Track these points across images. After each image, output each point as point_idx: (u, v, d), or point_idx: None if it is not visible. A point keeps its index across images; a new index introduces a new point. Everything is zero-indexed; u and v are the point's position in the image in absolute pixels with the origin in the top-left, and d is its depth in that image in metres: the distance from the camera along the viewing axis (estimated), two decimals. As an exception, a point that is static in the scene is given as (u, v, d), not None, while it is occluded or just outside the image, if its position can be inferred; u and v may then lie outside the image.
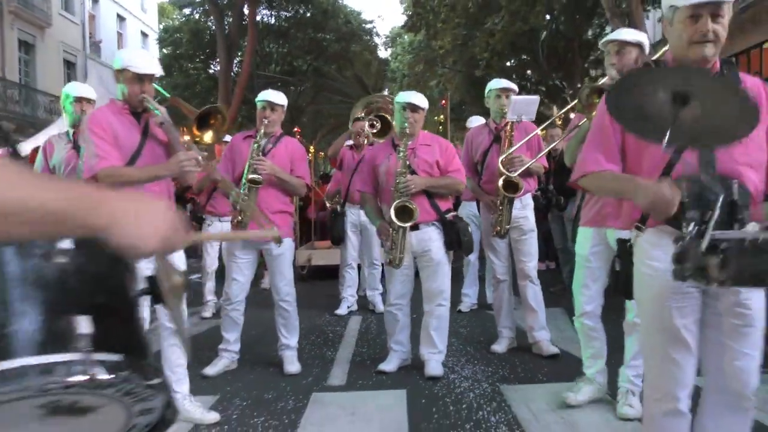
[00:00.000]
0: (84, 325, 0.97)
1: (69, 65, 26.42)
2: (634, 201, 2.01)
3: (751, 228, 1.81)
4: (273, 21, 29.16)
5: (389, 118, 6.00)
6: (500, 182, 4.28)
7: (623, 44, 3.34)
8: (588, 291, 3.43)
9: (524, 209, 4.47)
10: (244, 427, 3.27)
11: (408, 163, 4.00)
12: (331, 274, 7.68)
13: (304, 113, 30.83)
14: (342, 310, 6.32)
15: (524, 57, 25.49)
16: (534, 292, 4.43)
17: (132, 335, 1.08)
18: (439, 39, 22.69)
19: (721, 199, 1.79)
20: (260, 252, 4.31)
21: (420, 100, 4.17)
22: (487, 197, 4.49)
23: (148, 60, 3.12)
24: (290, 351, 4.35)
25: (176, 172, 3.04)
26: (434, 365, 4.07)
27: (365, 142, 5.94)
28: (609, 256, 3.14)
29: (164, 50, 30.79)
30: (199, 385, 3.78)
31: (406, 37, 29.90)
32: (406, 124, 4.03)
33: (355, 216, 6.23)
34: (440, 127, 10.10)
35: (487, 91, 4.77)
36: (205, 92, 29.40)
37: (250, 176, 4.01)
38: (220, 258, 5.94)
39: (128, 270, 1.10)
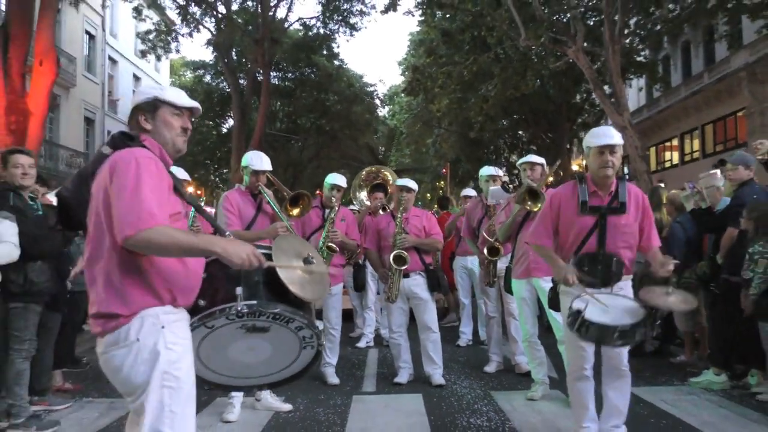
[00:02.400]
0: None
1: (88, 122, 28.09)
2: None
3: (622, 283, 3.37)
4: (279, 82, 31.03)
5: (388, 186, 7.75)
6: (485, 250, 5.72)
7: (533, 164, 5.20)
8: (528, 321, 5.03)
9: (502, 263, 5.84)
10: (310, 414, 4.66)
11: (403, 227, 5.53)
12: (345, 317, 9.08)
13: (307, 168, 32.55)
14: (362, 344, 7.74)
15: (515, 116, 27.21)
16: (516, 327, 5.78)
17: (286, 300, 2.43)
18: (436, 103, 24.16)
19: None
20: None
21: (412, 184, 5.81)
22: (482, 255, 5.92)
23: (263, 160, 4.69)
24: (331, 368, 5.75)
25: (273, 235, 4.52)
26: (437, 377, 5.51)
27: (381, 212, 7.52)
28: (535, 296, 4.87)
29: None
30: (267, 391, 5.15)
31: (403, 95, 31.60)
32: (402, 201, 5.62)
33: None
34: (441, 191, 11.60)
35: (480, 175, 6.29)
36: (213, 147, 31.15)
37: (328, 245, 5.45)
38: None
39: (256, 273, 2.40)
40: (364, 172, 8.85)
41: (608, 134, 3.62)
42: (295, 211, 4.80)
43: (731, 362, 5.34)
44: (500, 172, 6.30)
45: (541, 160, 5.31)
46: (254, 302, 2.34)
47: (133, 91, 32.94)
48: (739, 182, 5.38)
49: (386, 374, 5.99)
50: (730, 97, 22.41)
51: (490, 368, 5.94)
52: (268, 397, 4.76)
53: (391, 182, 8.63)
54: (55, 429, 4.27)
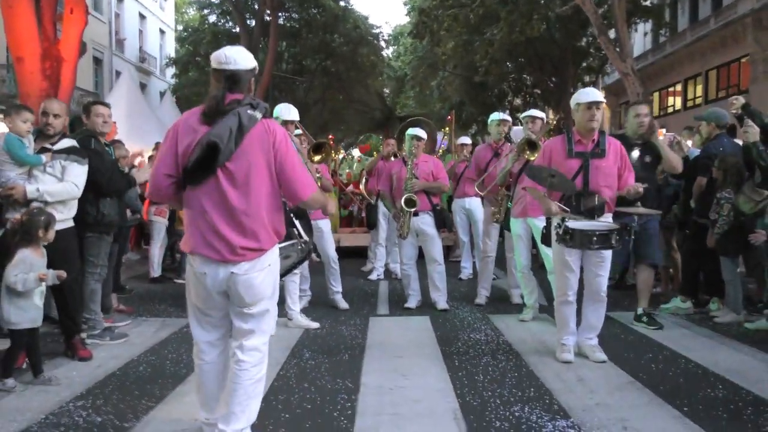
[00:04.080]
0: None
1: (97, 61, 28.38)
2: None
3: (604, 219, 4.12)
4: (285, 22, 31.02)
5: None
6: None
7: (534, 118, 5.92)
8: (523, 254, 5.81)
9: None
10: (335, 331, 5.50)
11: (414, 172, 6.24)
12: (355, 254, 9.93)
13: (311, 109, 32.90)
14: (373, 276, 8.59)
15: (521, 60, 27.39)
16: (514, 262, 6.56)
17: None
18: (442, 45, 24.36)
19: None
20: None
21: (422, 133, 6.48)
22: (490, 194, 6.52)
23: (291, 111, 5.41)
24: (339, 295, 6.57)
25: None
26: (442, 303, 6.36)
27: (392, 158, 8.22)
28: (530, 234, 5.62)
29: (183, 48, 32.73)
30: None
31: (408, 37, 31.61)
32: (413, 149, 6.31)
33: (384, 207, 8.47)
34: (445, 137, 12.25)
35: (489, 120, 6.96)
36: (220, 88, 31.42)
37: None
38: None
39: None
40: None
41: (595, 92, 4.46)
42: (317, 158, 5.51)
43: (697, 291, 6.19)
44: (509, 117, 6.95)
45: (542, 114, 6.03)
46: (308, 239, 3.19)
47: (140, 30, 33.08)
48: (708, 136, 6.05)
49: (397, 301, 6.83)
50: (735, 43, 22.64)
51: (480, 300, 6.67)
52: (298, 317, 5.61)
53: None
54: (125, 339, 5.12)
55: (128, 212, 5.93)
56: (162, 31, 36.29)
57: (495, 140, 6.84)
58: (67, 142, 4.51)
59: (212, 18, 32.19)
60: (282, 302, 5.54)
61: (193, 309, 2.98)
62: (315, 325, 5.61)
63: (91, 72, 27.69)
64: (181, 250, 3.01)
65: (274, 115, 5.43)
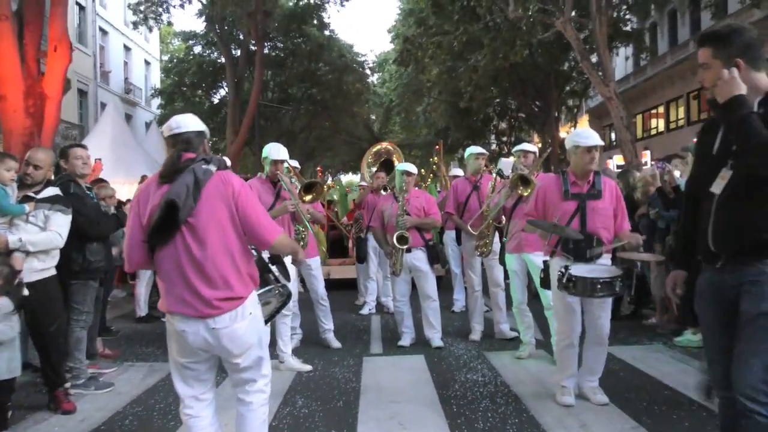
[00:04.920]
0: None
1: (82, 93, 28.20)
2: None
3: (602, 260, 4.05)
4: (270, 51, 31.13)
5: (394, 161, 8.46)
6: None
7: (526, 152, 5.86)
8: (518, 290, 5.72)
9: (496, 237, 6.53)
10: (328, 373, 5.37)
11: (405, 208, 6.16)
12: (346, 285, 9.82)
13: (298, 138, 32.91)
14: (365, 311, 8.46)
15: (505, 85, 27.61)
16: (501, 297, 6.47)
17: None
18: (427, 73, 24.55)
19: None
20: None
21: (412, 168, 6.41)
22: (469, 229, 6.44)
23: (280, 151, 5.31)
24: (331, 333, 6.43)
25: (284, 212, 5.17)
26: (437, 340, 6.23)
27: (381, 192, 8.14)
28: (525, 269, 5.56)
29: (168, 79, 32.74)
30: (287, 353, 5.84)
31: (393, 64, 31.86)
32: (403, 185, 6.23)
33: (375, 241, 8.37)
34: (434, 166, 12.23)
35: (467, 154, 6.92)
36: (206, 118, 31.33)
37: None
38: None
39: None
40: (374, 150, 9.50)
41: (594, 136, 4.39)
42: (308, 197, 5.41)
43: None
44: (484, 151, 6.90)
45: (534, 148, 5.99)
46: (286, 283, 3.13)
47: (125, 62, 33.04)
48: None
49: (390, 338, 6.70)
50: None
51: (475, 336, 6.55)
52: (290, 360, 5.46)
53: (396, 156, 9.31)
54: (110, 389, 4.95)
55: (114, 250, 5.75)
56: (147, 62, 36.24)
57: (473, 173, 6.80)
58: (51, 191, 4.41)
59: (197, 49, 32.29)
60: (273, 344, 5.44)
61: (175, 365, 2.92)
62: (307, 367, 5.47)
63: (76, 104, 27.48)
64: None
65: (263, 155, 5.35)
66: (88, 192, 5.00)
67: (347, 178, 12.66)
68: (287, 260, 4.30)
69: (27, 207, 4.26)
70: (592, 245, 4.20)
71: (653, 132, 28.71)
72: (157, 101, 33.25)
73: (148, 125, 28.46)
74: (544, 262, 4.42)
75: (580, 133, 4.43)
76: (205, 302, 2.72)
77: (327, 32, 30.65)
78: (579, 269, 3.96)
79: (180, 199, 2.67)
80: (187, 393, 2.92)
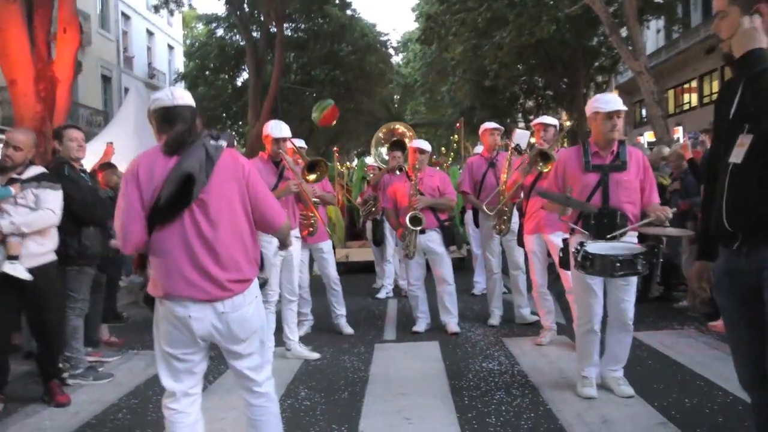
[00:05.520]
0: None
1: (105, 80, 28.32)
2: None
3: (628, 239, 3.69)
4: (292, 33, 30.82)
5: (406, 142, 8.13)
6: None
7: (546, 125, 5.43)
8: (538, 273, 5.38)
9: (514, 216, 6.06)
10: (337, 361, 5.11)
11: (418, 188, 5.84)
12: (364, 269, 9.58)
13: (322, 120, 32.61)
14: (381, 295, 8.19)
15: (531, 62, 26.93)
16: (522, 279, 6.11)
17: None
18: (450, 51, 24.07)
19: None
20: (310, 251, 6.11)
21: (426, 146, 6.06)
22: (485, 208, 6.04)
23: (282, 128, 5.01)
24: (343, 319, 6.19)
25: (287, 193, 4.87)
26: (453, 325, 5.92)
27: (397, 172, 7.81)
28: (545, 250, 5.23)
29: (191, 63, 32.67)
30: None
31: (417, 43, 31.34)
32: (416, 163, 5.88)
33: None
34: (455, 145, 11.86)
35: (481, 130, 6.52)
36: (229, 101, 31.26)
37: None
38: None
39: None
40: (384, 129, 9.22)
41: (616, 100, 3.98)
42: (312, 177, 5.10)
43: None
44: (500, 126, 6.48)
45: (555, 121, 5.56)
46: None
47: (148, 47, 33.06)
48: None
49: (405, 323, 6.42)
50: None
51: (494, 321, 6.24)
52: (297, 347, 5.22)
53: (409, 136, 8.99)
54: (109, 380, 4.77)
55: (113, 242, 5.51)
56: (170, 47, 36.23)
57: (488, 150, 6.43)
58: (36, 170, 4.20)
59: (220, 32, 32.10)
60: (279, 331, 5.21)
61: (165, 358, 2.67)
62: (315, 355, 5.22)
63: (100, 90, 27.63)
64: (153, 294, 2.66)
65: (265, 133, 5.06)
66: (83, 175, 4.78)
67: (369, 160, 12.30)
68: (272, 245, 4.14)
69: (12, 189, 4.05)
70: (615, 221, 3.82)
71: (686, 107, 27.75)
72: (180, 86, 33.24)
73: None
74: (564, 240, 4.04)
75: (600, 98, 4.03)
76: (218, 284, 2.55)
77: (349, 12, 30.20)
78: (596, 246, 3.59)
79: (195, 172, 2.48)
80: (177, 388, 2.67)
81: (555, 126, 5.52)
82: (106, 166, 6.95)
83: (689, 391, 4.02)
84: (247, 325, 2.65)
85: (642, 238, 3.98)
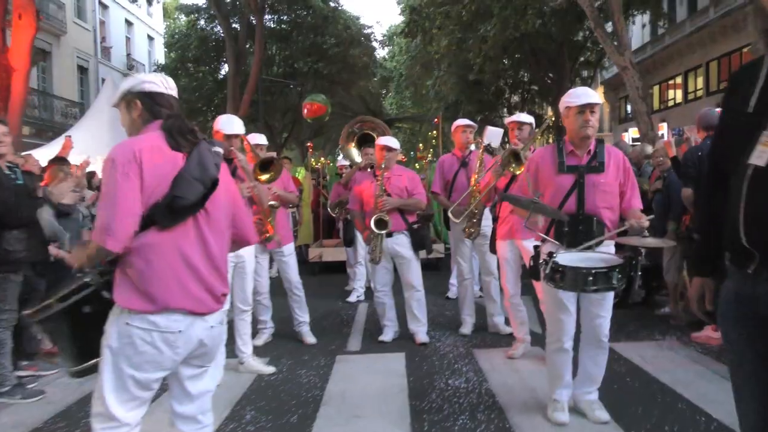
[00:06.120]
0: None
1: (82, 70, 27.65)
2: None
3: (604, 248, 3.32)
4: (274, 25, 30.30)
5: (374, 134, 7.77)
6: (477, 198, 5.41)
7: (521, 123, 5.02)
8: (510, 281, 5.03)
9: (487, 219, 5.70)
10: (293, 376, 4.72)
11: (384, 188, 5.45)
12: (339, 269, 9.19)
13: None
14: (352, 299, 7.81)
15: (517, 56, 26.62)
16: (495, 286, 5.71)
17: None
18: (435, 44, 23.69)
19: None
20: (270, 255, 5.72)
21: (393, 143, 5.63)
22: (458, 208, 5.64)
23: (234, 124, 4.57)
24: (305, 326, 5.80)
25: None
26: (421, 335, 5.56)
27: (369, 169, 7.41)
28: (518, 256, 4.87)
29: (172, 54, 32.01)
30: (253, 352, 5.19)
31: (401, 37, 30.93)
32: (383, 161, 5.49)
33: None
34: (434, 141, 11.47)
35: (453, 127, 6.09)
36: (210, 94, 30.67)
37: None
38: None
39: None
40: (353, 124, 8.82)
41: (588, 93, 3.56)
42: (265, 177, 4.65)
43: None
44: (473, 123, 6.08)
45: (530, 119, 5.16)
46: None
47: (127, 37, 32.34)
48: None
49: (373, 331, 6.03)
50: (736, 33, 21.81)
51: (465, 329, 5.87)
52: (250, 361, 4.82)
53: (379, 131, 8.58)
54: (39, 398, 4.34)
55: (53, 248, 5.06)
56: (150, 38, 35.51)
57: (460, 148, 6.01)
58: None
59: (201, 23, 31.45)
60: (232, 342, 4.81)
61: (124, 383, 2.25)
62: (269, 369, 4.82)
63: (76, 81, 26.96)
64: (130, 308, 2.26)
65: (215, 128, 4.63)
66: (9, 172, 4.35)
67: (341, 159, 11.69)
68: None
69: None
70: (591, 228, 3.45)
71: (670, 103, 27.55)
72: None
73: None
74: (535, 247, 3.64)
75: (572, 92, 3.62)
76: (214, 296, 2.40)
77: (332, 4, 29.70)
78: (567, 257, 3.22)
79: (216, 177, 2.34)
80: (129, 419, 2.29)
81: (531, 124, 5.13)
82: (56, 160, 6.49)
83: (670, 415, 3.66)
84: (220, 339, 2.56)
85: (619, 248, 3.61)
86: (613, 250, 3.54)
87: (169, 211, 2.23)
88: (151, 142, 2.30)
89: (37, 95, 23.22)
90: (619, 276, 3.10)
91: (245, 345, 4.82)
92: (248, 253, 4.67)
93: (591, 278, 3.08)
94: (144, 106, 2.39)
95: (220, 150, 2.48)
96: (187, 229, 2.31)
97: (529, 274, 3.82)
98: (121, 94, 2.44)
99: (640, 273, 3.37)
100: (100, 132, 12.87)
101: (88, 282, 2.35)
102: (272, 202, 5.41)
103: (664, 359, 4.79)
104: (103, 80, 26.16)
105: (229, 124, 4.57)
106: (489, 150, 5.34)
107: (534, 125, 5.19)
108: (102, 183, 2.33)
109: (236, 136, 4.59)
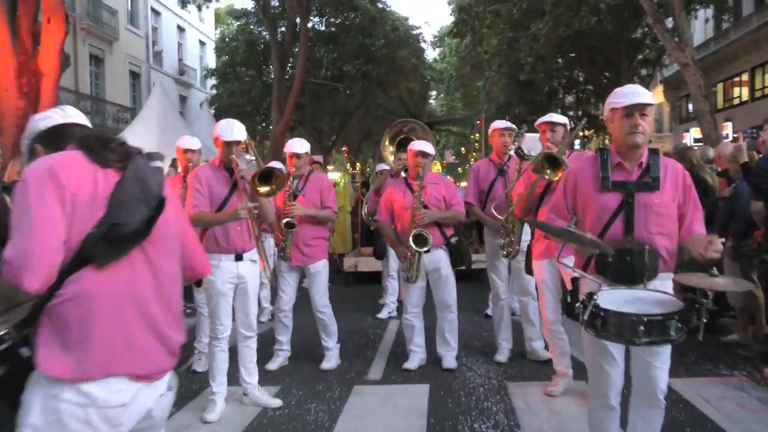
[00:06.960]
0: None
1: (134, 76, 28.11)
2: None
3: (658, 282, 2.68)
4: (322, 27, 30.13)
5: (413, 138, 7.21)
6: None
7: (553, 124, 4.40)
8: (550, 306, 4.37)
9: (526, 234, 5.07)
10: (300, 411, 4.23)
11: (421, 199, 4.90)
12: (375, 279, 8.66)
13: (354, 116, 31.79)
14: (383, 315, 7.28)
15: (571, 55, 25.65)
16: (533, 308, 5.09)
17: None
18: (485, 44, 23.01)
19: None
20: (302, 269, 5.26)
21: (429, 148, 5.05)
22: (494, 222, 5.14)
23: (234, 129, 4.10)
24: (329, 351, 5.30)
25: (234, 218, 3.98)
26: (449, 359, 5.02)
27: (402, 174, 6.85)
28: (558, 278, 4.21)
29: (222, 58, 32.24)
30: (264, 377, 4.72)
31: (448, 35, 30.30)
32: (418, 169, 4.93)
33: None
34: (476, 144, 10.82)
35: (490, 130, 5.50)
36: (259, 98, 30.68)
37: (285, 221, 4.93)
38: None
39: None
40: (389, 128, 8.22)
41: (637, 92, 2.83)
42: (264, 189, 4.10)
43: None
44: (513, 125, 5.47)
45: (564, 119, 4.50)
46: None
47: (179, 43, 32.74)
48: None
49: (399, 355, 5.50)
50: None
51: (502, 357, 5.27)
52: (255, 392, 4.33)
53: (420, 135, 8.00)
54: None
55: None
56: (202, 43, 35.96)
57: (498, 155, 5.42)
58: None
59: (251, 27, 31.53)
60: (236, 370, 4.36)
61: None
62: (275, 403, 4.33)
63: (128, 86, 27.39)
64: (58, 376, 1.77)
65: (215, 134, 4.17)
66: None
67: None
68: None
69: None
70: (643, 260, 2.78)
71: (736, 102, 26.01)
72: (211, 82, 32.88)
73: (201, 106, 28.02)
74: (573, 280, 3.02)
75: (617, 92, 2.93)
76: (171, 351, 1.95)
77: (380, 5, 29.31)
78: (610, 297, 2.57)
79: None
80: None
81: (564, 125, 4.48)
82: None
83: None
84: (168, 411, 2.05)
85: (679, 286, 2.93)
86: (670, 286, 2.84)
87: (107, 242, 1.76)
88: (69, 156, 1.84)
89: (89, 101, 23.64)
90: (679, 325, 2.45)
91: (250, 375, 4.33)
92: (250, 272, 4.20)
93: (642, 327, 2.42)
94: (47, 147, 1.96)
95: (161, 164, 2.01)
96: (132, 264, 1.85)
97: (564, 310, 3.19)
98: (26, 148, 2.03)
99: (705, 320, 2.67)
100: (149, 136, 12.84)
101: (2, 336, 1.83)
102: (287, 219, 4.95)
103: (731, 402, 4.08)
104: (154, 84, 26.52)
105: (229, 129, 4.10)
106: (519, 154, 4.72)
107: (568, 126, 4.54)
108: (13, 210, 1.85)
109: (237, 142, 4.11)
